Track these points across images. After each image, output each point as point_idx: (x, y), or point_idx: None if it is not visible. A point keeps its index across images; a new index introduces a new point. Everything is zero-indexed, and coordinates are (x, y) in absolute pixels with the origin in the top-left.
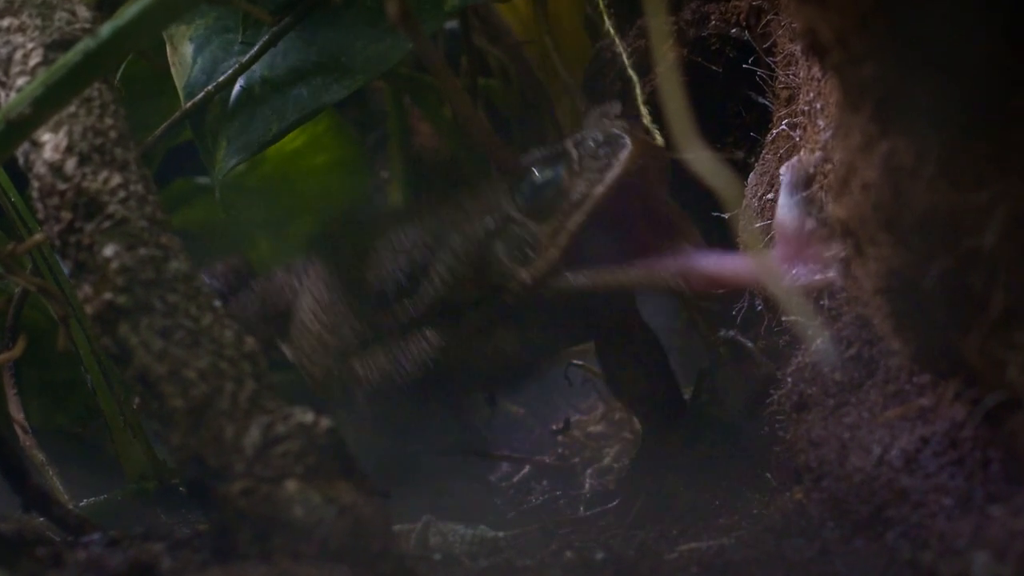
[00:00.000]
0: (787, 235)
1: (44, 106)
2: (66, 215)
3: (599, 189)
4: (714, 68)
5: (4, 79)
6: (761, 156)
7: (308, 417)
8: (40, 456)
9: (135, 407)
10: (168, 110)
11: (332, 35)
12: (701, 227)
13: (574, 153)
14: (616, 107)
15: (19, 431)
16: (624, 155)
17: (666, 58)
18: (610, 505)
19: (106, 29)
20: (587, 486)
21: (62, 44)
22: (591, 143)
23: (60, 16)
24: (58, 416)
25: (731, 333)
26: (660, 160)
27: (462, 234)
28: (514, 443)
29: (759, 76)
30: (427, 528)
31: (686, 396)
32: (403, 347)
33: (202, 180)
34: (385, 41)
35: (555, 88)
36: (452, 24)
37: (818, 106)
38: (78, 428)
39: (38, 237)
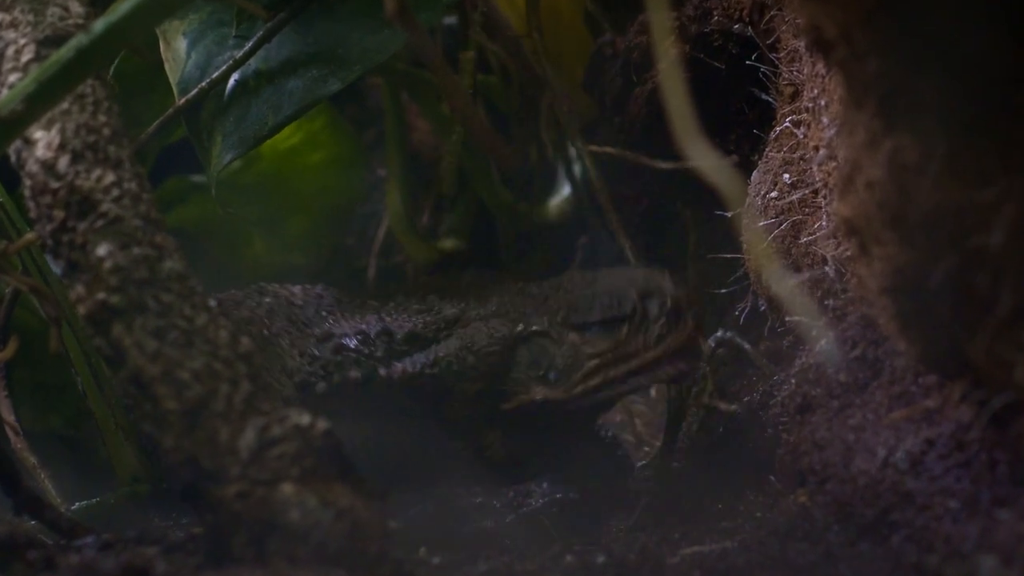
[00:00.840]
0: None
1: (36, 103)
2: (59, 214)
3: (651, 354)
4: (717, 65)
5: None
6: (765, 154)
7: (304, 419)
8: (32, 459)
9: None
10: (161, 106)
11: (328, 26)
12: (702, 227)
13: (637, 310)
14: (665, 276)
15: (10, 433)
16: (682, 335)
17: (668, 54)
18: (611, 507)
19: (99, 25)
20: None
21: (55, 40)
22: (655, 308)
23: (53, 12)
24: (50, 418)
25: (728, 334)
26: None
27: (488, 328)
28: None
29: (762, 72)
30: None
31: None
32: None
33: (197, 178)
34: (382, 32)
35: (554, 85)
36: (451, 19)
37: (822, 103)
38: (70, 430)
39: (30, 236)
